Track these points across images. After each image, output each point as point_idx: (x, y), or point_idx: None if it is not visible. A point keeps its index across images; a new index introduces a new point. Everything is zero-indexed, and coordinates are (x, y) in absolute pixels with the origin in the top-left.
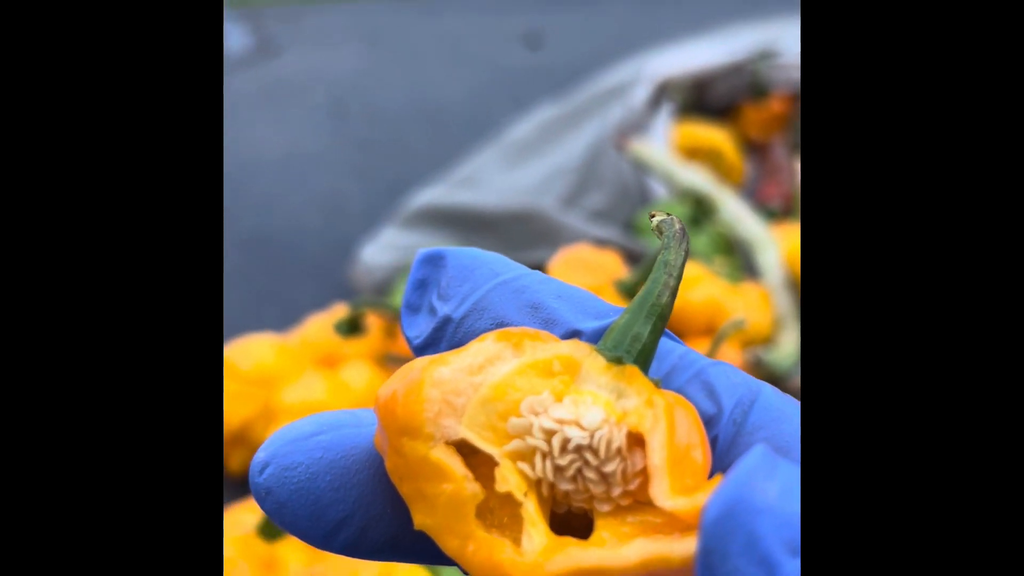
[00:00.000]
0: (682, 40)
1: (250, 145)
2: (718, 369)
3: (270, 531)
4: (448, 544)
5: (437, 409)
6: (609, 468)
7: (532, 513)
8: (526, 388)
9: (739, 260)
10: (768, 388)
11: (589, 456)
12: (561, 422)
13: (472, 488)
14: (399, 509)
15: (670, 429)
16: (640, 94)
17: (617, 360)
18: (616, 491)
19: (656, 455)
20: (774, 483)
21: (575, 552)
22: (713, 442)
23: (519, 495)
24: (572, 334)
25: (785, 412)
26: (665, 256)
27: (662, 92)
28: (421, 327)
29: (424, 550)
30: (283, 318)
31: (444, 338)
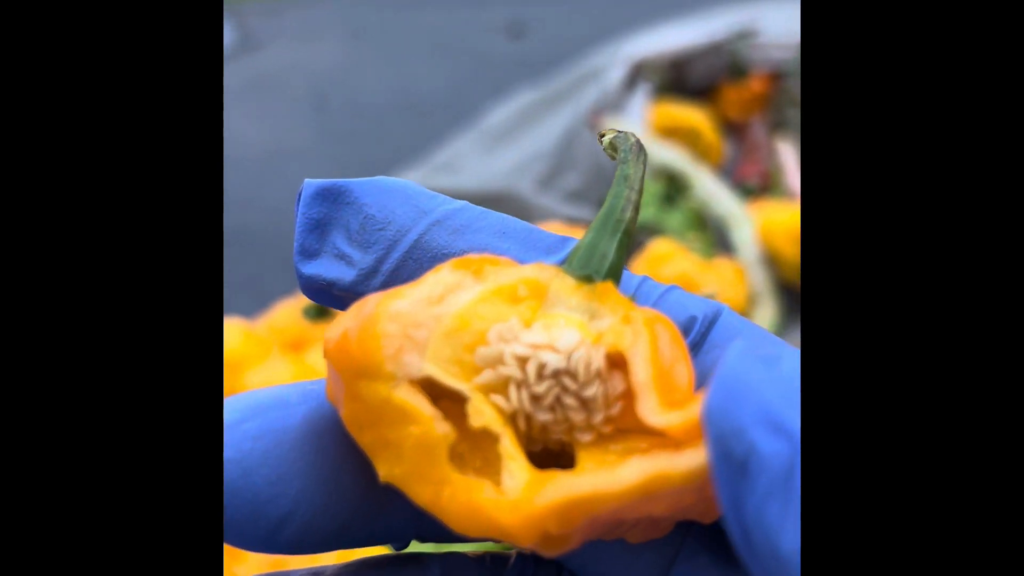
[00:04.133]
0: (661, 24)
1: (232, 139)
2: (677, 293)
3: None
4: (420, 493)
5: (397, 345)
6: (589, 392)
7: (510, 448)
8: (492, 316)
9: (712, 236)
10: (727, 308)
11: (567, 381)
12: (535, 347)
13: (443, 428)
14: (347, 494)
15: (652, 344)
16: (615, 75)
17: (587, 279)
18: (598, 417)
19: (640, 372)
20: (765, 360)
21: (566, 481)
22: None
23: (497, 427)
24: None
25: (743, 331)
26: (624, 170)
27: (638, 72)
28: (328, 275)
29: (378, 531)
30: (261, 308)
31: (369, 294)
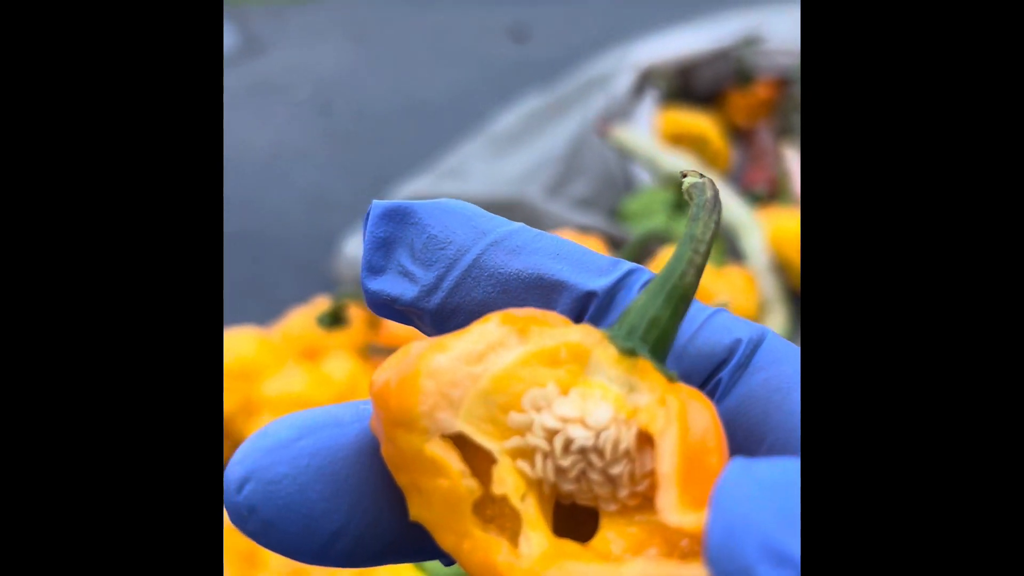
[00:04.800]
0: (668, 29)
1: (235, 143)
2: (724, 315)
3: None
4: (444, 540)
5: (432, 402)
6: (615, 470)
7: (531, 515)
8: (530, 379)
9: (723, 244)
10: (771, 331)
11: (594, 458)
12: (565, 420)
13: (468, 484)
14: (396, 512)
15: (682, 432)
16: (623, 81)
17: (630, 352)
18: (623, 492)
19: (665, 462)
20: (761, 483)
21: (572, 568)
22: (716, 384)
23: (515, 500)
24: (584, 297)
25: (786, 354)
26: (692, 229)
27: (646, 79)
28: (391, 291)
29: (426, 547)
30: (268, 313)
31: (429, 309)
